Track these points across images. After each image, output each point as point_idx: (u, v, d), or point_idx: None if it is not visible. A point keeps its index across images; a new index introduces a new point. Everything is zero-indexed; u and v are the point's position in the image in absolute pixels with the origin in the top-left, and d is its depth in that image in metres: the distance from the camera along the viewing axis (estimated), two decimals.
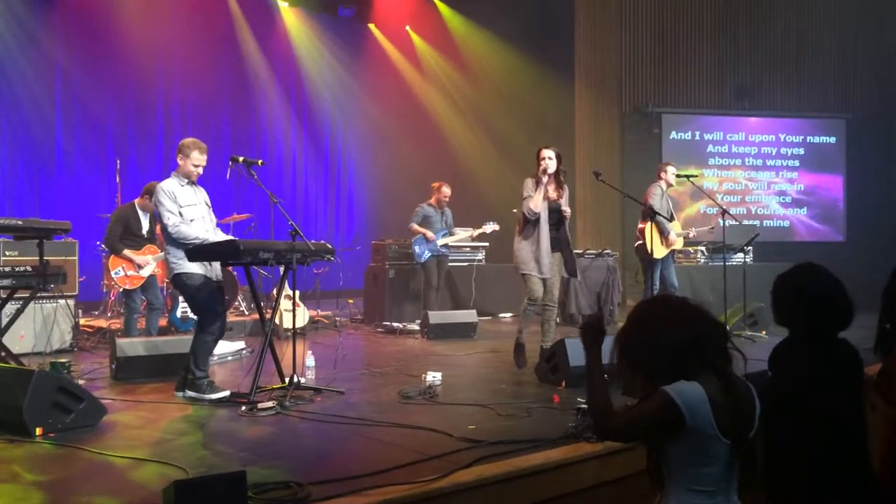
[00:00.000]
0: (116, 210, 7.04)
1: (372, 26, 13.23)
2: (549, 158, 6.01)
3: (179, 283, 5.05)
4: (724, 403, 1.99)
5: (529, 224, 6.00)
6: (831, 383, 2.31)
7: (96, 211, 9.10)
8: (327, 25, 12.65)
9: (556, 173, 6.05)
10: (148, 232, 6.92)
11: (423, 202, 8.93)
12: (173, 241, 5.00)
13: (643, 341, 2.11)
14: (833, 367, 2.34)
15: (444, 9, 13.16)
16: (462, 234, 8.95)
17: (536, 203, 5.92)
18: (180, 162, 5.13)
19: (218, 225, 5.55)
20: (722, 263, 8.10)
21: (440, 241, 8.68)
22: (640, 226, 7.58)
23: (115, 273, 6.74)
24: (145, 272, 6.75)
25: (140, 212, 6.87)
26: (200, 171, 5.16)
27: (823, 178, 13.22)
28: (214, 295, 5.13)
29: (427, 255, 8.66)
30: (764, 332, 7.92)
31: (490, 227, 8.87)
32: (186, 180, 5.14)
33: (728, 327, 8.20)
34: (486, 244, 10.18)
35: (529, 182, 6.06)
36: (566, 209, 6.09)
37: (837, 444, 2.25)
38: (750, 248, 9.69)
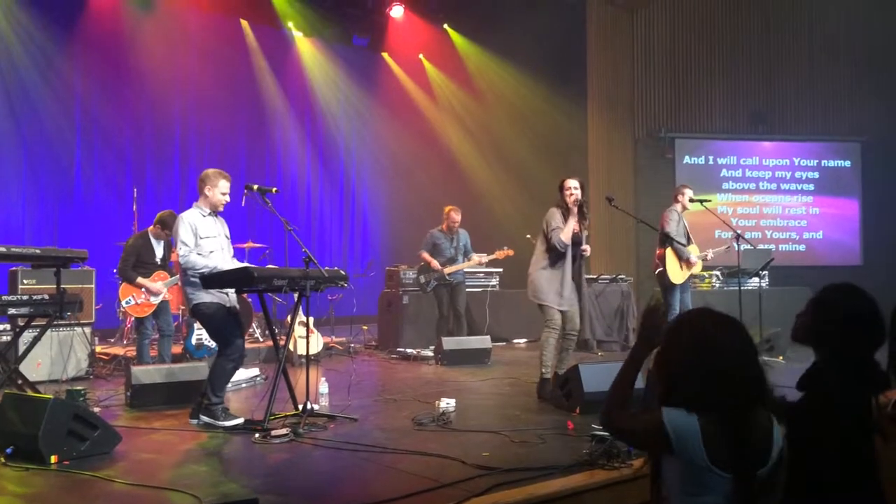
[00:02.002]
0: (129, 239, 7.05)
1: (386, 55, 13.37)
2: (576, 188, 5.91)
3: (198, 313, 5.10)
4: (724, 438, 1.96)
5: (555, 255, 5.88)
6: (862, 406, 2.28)
7: (113, 239, 9.18)
8: (342, 55, 12.80)
9: (580, 205, 5.97)
10: (161, 259, 6.97)
11: (435, 227, 8.98)
12: (187, 275, 5.04)
13: (670, 356, 2.11)
14: (865, 388, 2.31)
15: (456, 37, 13.29)
16: (474, 260, 8.88)
17: (568, 235, 5.81)
18: (207, 193, 5.16)
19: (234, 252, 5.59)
20: (737, 288, 8.06)
21: (447, 270, 8.70)
22: (659, 252, 7.52)
23: (126, 303, 6.77)
24: (156, 299, 6.78)
25: (153, 240, 6.92)
26: (227, 199, 5.23)
27: (839, 202, 13.14)
28: (231, 322, 5.17)
29: (433, 283, 8.73)
30: (781, 358, 7.84)
31: (503, 254, 8.82)
32: (209, 211, 5.19)
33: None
34: (500, 269, 10.17)
35: (557, 213, 5.92)
36: (587, 247, 6.01)
37: (855, 468, 2.23)
38: (765, 272, 9.62)
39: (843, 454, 2.23)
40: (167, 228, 6.81)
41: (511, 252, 8.81)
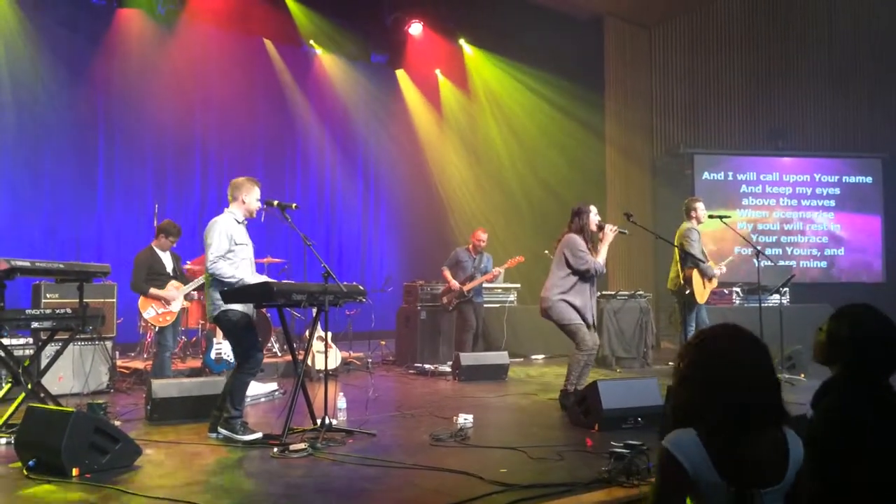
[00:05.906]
0: (138, 255, 7.13)
1: (402, 72, 13.46)
2: (596, 213, 6.24)
3: (224, 320, 5.08)
4: (730, 450, 1.91)
5: (583, 277, 6.04)
6: (877, 427, 2.25)
7: (134, 254, 9.26)
8: (361, 71, 12.90)
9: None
10: (173, 270, 7.08)
11: (459, 246, 9.17)
12: (214, 282, 5.06)
13: (681, 369, 2.06)
14: (880, 410, 2.28)
15: (475, 54, 13.36)
16: (489, 275, 8.95)
17: (604, 259, 6.10)
18: (244, 199, 5.22)
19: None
20: (758, 305, 7.98)
21: (465, 288, 8.81)
22: (686, 273, 7.35)
23: (147, 314, 6.89)
24: (175, 306, 6.91)
25: (159, 252, 7.03)
26: (260, 204, 5.29)
27: (861, 219, 13.02)
28: (253, 334, 5.20)
29: (455, 302, 8.90)
30: (802, 375, 7.76)
31: (514, 261, 8.94)
32: (243, 217, 5.25)
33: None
34: (518, 286, 10.18)
35: (579, 239, 6.06)
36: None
37: (880, 489, 2.19)
38: (786, 289, 9.54)
39: (854, 475, 2.20)
40: (171, 236, 7.00)
41: (521, 258, 8.99)
